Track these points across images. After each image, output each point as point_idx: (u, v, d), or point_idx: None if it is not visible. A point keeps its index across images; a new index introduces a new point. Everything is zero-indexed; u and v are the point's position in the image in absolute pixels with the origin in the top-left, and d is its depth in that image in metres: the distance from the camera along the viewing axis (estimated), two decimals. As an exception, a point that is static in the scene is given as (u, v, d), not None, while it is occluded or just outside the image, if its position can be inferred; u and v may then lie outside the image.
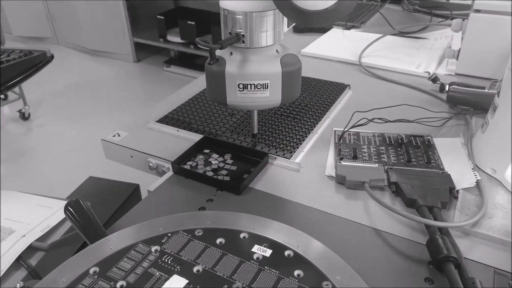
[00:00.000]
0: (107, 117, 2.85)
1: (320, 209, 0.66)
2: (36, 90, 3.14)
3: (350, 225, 0.63)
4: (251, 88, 0.65)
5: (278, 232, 0.55)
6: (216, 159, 0.76)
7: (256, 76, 0.64)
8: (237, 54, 0.65)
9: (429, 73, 1.01)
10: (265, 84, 0.65)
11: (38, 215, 1.19)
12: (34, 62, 1.16)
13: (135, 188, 1.34)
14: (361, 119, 0.78)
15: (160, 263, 0.51)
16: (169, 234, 0.55)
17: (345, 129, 0.79)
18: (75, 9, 3.68)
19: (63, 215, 1.20)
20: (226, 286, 0.47)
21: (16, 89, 2.78)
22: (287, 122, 0.86)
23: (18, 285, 0.57)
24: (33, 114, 2.94)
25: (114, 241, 0.55)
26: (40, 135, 2.77)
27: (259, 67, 0.64)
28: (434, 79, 0.97)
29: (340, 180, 0.70)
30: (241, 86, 0.65)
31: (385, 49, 1.18)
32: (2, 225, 1.13)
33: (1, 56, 1.11)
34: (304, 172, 0.74)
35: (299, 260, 0.51)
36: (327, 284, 0.47)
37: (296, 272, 0.49)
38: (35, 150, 2.59)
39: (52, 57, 1.22)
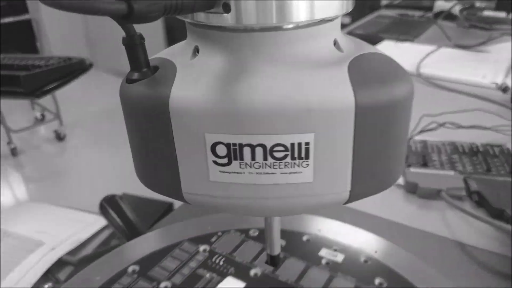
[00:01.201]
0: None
1: (391, 219, 0.56)
2: (72, 113, 3.18)
3: (427, 237, 0.53)
4: (254, 159, 0.22)
5: (348, 235, 0.46)
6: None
7: (271, 118, 0.21)
8: (213, 49, 0.23)
9: (496, 84, 0.91)
10: (300, 146, 0.22)
11: (68, 229, 1.14)
12: (73, 69, 1.13)
13: (169, 205, 1.27)
14: (431, 123, 0.70)
15: (210, 264, 0.43)
16: (220, 233, 0.47)
17: (413, 133, 0.70)
18: (113, 32, 3.78)
19: (94, 229, 1.13)
20: (293, 293, 0.39)
21: (53, 108, 2.83)
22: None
23: (46, 286, 0.50)
24: (68, 135, 2.96)
25: (156, 239, 0.47)
26: (74, 156, 2.77)
27: (282, 88, 0.21)
28: (505, 89, 0.88)
29: (411, 189, 0.61)
30: (222, 152, 0.22)
31: (443, 61, 1.09)
32: (32, 237, 1.08)
33: (41, 62, 1.09)
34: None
35: (379, 267, 0.42)
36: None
37: (377, 281, 0.40)
38: (69, 171, 2.58)
39: (91, 65, 1.20)
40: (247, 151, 0.22)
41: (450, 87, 0.96)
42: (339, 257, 0.43)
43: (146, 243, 0.46)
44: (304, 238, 0.46)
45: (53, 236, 1.06)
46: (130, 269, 0.43)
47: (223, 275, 0.41)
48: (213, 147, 0.22)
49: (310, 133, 0.21)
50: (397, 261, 0.42)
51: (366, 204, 0.58)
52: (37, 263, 0.90)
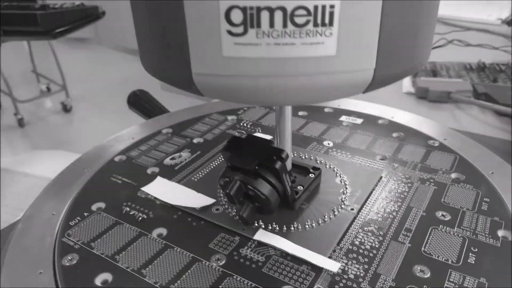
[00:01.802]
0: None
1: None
2: (78, 86, 3.21)
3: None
4: (273, 25, 0.20)
5: (366, 107, 0.49)
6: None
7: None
8: None
9: (502, 19, 0.94)
10: (324, 9, 0.20)
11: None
12: (86, 14, 1.16)
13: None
14: (440, 39, 0.72)
15: (238, 127, 0.46)
16: (245, 108, 0.50)
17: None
18: (118, 9, 3.78)
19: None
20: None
21: (59, 80, 2.84)
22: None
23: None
24: (75, 108, 2.99)
25: (186, 112, 0.50)
26: (81, 127, 2.80)
27: None
28: (509, 22, 0.91)
29: (422, 93, 0.64)
30: (237, 18, 0.20)
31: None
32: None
33: (55, 5, 1.11)
34: (378, 92, 0.68)
35: (395, 125, 0.45)
36: (433, 142, 0.41)
37: (394, 134, 0.43)
38: (76, 141, 2.61)
39: (103, 13, 1.23)
40: (265, 16, 0.19)
41: (457, 24, 0.99)
42: (358, 121, 0.46)
43: (177, 115, 0.50)
44: (326, 110, 0.49)
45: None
46: (164, 131, 0.46)
47: (251, 132, 0.45)
48: (228, 13, 0.20)
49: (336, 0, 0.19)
50: (412, 120, 0.46)
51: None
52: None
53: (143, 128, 0.47)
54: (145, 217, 0.34)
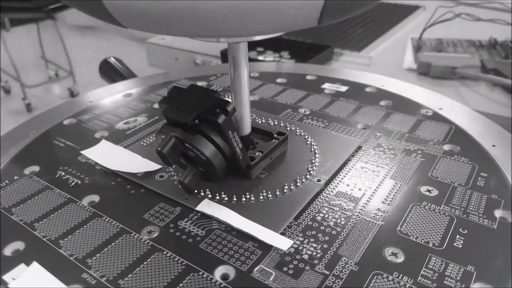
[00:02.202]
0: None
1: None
2: (85, 73, 3.19)
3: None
4: None
5: (355, 75, 0.44)
6: (271, 56, 0.66)
7: None
8: None
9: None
10: None
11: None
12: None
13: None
14: (446, 12, 0.66)
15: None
16: (218, 74, 0.45)
17: (427, 25, 0.67)
18: None
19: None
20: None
21: (67, 66, 2.82)
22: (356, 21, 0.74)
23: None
24: (81, 94, 2.97)
25: (154, 78, 0.45)
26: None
27: None
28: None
29: (424, 69, 0.58)
30: None
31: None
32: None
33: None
34: (376, 68, 0.62)
35: (384, 93, 0.39)
36: (426, 112, 0.36)
37: (382, 103, 0.38)
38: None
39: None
40: None
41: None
42: (343, 88, 0.41)
43: (143, 80, 0.45)
44: (308, 77, 0.43)
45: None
46: (123, 95, 0.41)
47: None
48: None
49: None
50: (404, 88, 0.40)
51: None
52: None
53: (103, 92, 0.43)
54: (79, 182, 0.29)
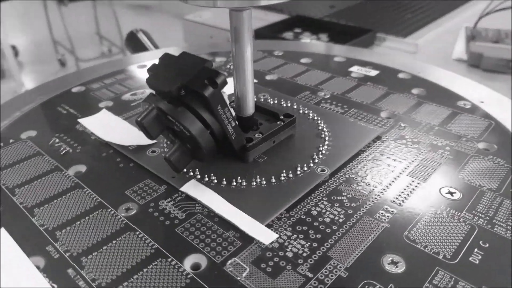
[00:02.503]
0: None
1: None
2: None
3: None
4: None
5: (388, 58, 0.39)
6: (309, 38, 0.63)
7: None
8: None
9: None
10: None
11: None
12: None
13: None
14: (503, 2, 0.59)
15: (224, 69, 0.38)
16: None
17: (483, 13, 0.60)
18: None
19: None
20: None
21: (120, 43, 2.89)
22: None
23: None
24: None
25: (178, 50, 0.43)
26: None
27: None
28: None
29: (475, 61, 0.52)
30: None
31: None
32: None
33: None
34: (422, 57, 0.57)
35: (419, 81, 0.35)
36: (464, 104, 0.31)
37: (415, 91, 0.34)
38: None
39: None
40: None
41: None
42: (373, 73, 0.36)
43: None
44: (336, 59, 0.40)
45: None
46: (139, 65, 0.39)
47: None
48: None
49: None
50: (443, 76, 0.35)
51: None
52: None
53: (121, 62, 0.41)
54: (71, 151, 0.28)
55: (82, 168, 0.26)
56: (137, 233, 0.21)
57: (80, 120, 0.31)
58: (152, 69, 0.23)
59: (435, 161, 0.25)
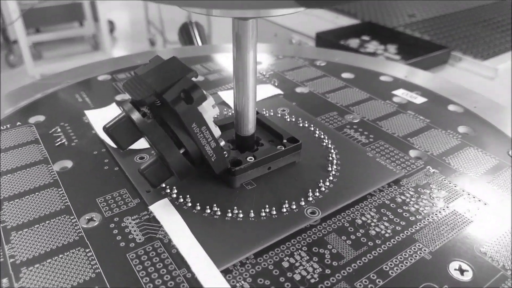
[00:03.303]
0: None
1: None
2: (221, 40, 3.32)
3: None
4: None
5: (443, 84, 0.34)
6: (375, 46, 0.57)
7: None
8: None
9: None
10: None
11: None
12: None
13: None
14: None
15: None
16: (280, 56, 0.39)
17: None
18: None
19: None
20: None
21: (208, 32, 2.98)
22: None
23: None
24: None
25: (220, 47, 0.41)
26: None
27: None
28: None
29: None
30: None
31: None
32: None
33: None
34: (500, 84, 0.49)
35: (470, 117, 0.29)
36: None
37: (461, 128, 0.28)
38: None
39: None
40: None
41: None
42: (419, 100, 0.31)
43: (205, 48, 0.41)
44: (382, 78, 0.35)
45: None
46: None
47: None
48: None
49: None
50: (499, 116, 0.29)
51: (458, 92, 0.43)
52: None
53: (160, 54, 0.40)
54: (66, 143, 0.27)
55: (69, 164, 0.25)
56: (87, 250, 0.19)
57: (86, 112, 0.30)
58: (138, 71, 0.20)
59: (456, 224, 0.20)
